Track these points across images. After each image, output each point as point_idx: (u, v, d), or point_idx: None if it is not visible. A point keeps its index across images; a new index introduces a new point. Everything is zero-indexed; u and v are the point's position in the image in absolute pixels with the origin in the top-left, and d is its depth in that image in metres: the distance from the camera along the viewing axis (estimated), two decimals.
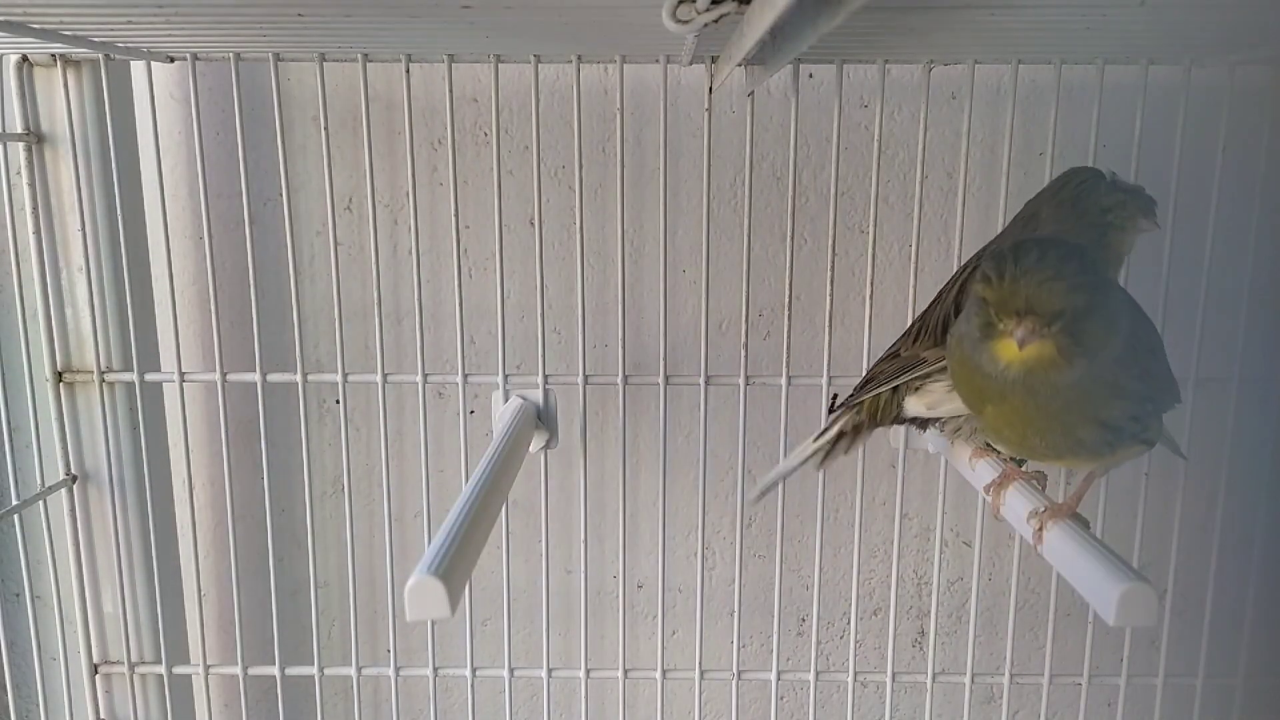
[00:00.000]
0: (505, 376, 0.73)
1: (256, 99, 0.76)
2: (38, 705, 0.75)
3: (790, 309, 0.73)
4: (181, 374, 0.73)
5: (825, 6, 0.34)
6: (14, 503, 0.71)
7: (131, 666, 0.77)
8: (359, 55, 0.68)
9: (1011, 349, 0.46)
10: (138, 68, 0.72)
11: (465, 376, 0.73)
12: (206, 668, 0.78)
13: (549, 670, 0.78)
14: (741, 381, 0.73)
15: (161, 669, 0.77)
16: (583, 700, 0.79)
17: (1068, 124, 0.72)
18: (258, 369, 0.73)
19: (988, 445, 0.60)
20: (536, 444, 0.74)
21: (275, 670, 0.78)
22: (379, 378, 0.73)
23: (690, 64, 0.70)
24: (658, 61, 0.69)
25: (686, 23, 0.38)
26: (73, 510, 0.74)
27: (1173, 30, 0.60)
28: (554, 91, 0.79)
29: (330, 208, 0.71)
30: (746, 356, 0.73)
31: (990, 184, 0.80)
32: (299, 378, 0.73)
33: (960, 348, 0.51)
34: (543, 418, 0.73)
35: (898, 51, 0.70)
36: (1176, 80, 0.68)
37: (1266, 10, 0.53)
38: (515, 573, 0.81)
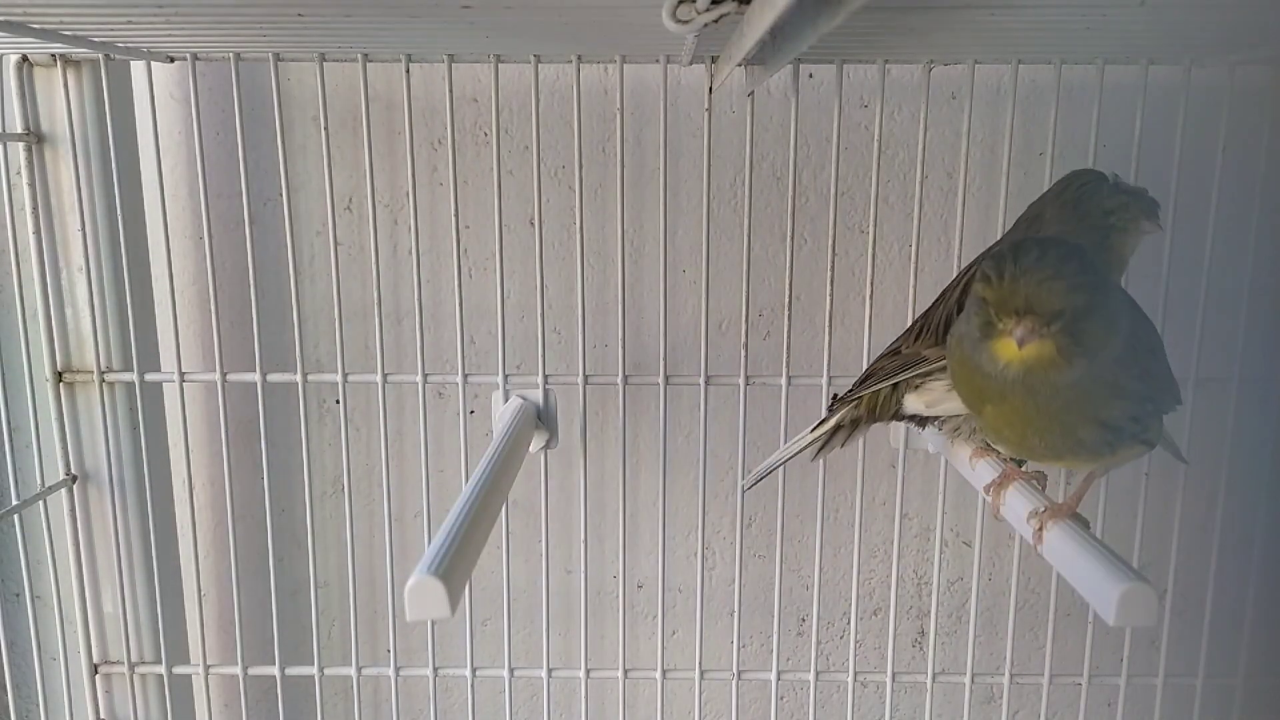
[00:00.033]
0: (505, 376, 0.73)
1: (256, 99, 0.76)
2: (38, 705, 0.75)
3: (790, 309, 0.73)
4: (181, 374, 0.73)
5: (825, 6, 0.34)
6: (14, 503, 0.71)
7: (131, 666, 0.77)
8: (359, 55, 0.68)
9: (1011, 348, 0.46)
10: (138, 68, 0.72)
11: (465, 376, 0.73)
12: (206, 668, 0.78)
13: (549, 670, 0.78)
14: (741, 381, 0.73)
15: (161, 669, 0.77)
16: (583, 700, 0.79)
17: (1068, 124, 0.72)
18: (258, 369, 0.73)
19: (987, 445, 0.60)
20: (536, 444, 0.74)
21: (275, 670, 0.78)
22: (379, 378, 0.73)
23: (690, 64, 0.70)
24: (658, 61, 0.69)
25: (686, 23, 0.38)
26: (73, 510, 0.74)
27: (1173, 30, 0.60)
28: (554, 91, 0.79)
29: (330, 208, 0.71)
30: (746, 356, 0.73)
31: (990, 184, 0.80)
32: (299, 378, 0.73)
33: (960, 347, 0.51)
34: (543, 418, 0.73)
35: (898, 51, 0.70)
36: (1176, 80, 0.68)
37: (1266, 10, 0.53)
38: (515, 573, 0.81)
